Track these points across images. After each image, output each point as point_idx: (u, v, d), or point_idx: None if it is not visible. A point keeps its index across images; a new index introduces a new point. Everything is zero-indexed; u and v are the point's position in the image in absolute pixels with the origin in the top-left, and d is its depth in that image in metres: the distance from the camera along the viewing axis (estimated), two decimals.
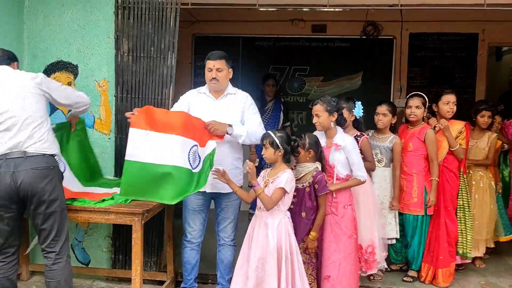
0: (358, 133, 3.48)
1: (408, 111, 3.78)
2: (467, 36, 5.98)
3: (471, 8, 4.14)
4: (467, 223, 3.86)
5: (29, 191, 2.65)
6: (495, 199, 4.21)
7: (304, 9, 5.77)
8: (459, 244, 3.85)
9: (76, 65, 3.76)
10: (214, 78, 3.16)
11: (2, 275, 2.80)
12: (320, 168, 3.06)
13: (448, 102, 3.78)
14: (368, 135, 3.66)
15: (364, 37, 5.97)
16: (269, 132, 2.96)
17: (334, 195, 3.14)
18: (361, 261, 3.43)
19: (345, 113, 3.42)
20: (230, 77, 3.27)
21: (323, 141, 3.20)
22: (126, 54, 3.69)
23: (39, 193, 2.67)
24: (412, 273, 3.84)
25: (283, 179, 2.85)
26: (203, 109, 3.22)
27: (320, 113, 3.17)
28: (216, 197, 3.27)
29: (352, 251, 3.14)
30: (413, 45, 6.04)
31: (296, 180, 2.99)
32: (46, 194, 2.69)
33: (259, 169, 5.25)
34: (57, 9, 3.77)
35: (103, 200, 3.04)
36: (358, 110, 3.48)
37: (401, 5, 3.69)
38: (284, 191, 2.85)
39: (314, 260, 3.08)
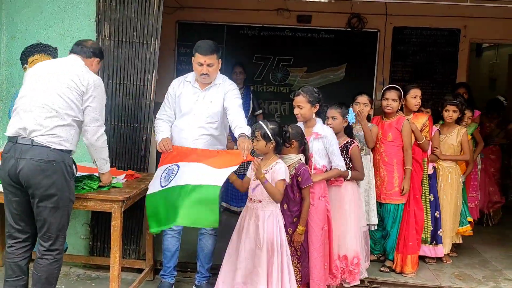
0: (349, 140, 3.46)
1: (384, 102, 3.85)
2: (449, 31, 6.04)
3: (455, 4, 4.18)
4: (427, 209, 3.99)
5: (25, 181, 2.60)
6: (461, 195, 4.26)
7: None
8: (424, 230, 3.99)
9: (56, 48, 3.67)
10: (205, 74, 3.12)
11: (10, 259, 2.76)
12: (303, 160, 3.04)
13: (415, 96, 3.91)
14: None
15: (348, 29, 5.99)
16: (261, 123, 2.92)
17: (312, 186, 3.11)
18: (345, 272, 3.40)
19: (339, 118, 3.41)
20: (219, 67, 3.22)
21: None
22: (107, 39, 3.62)
23: (34, 186, 2.60)
24: (388, 263, 3.91)
25: (281, 170, 2.85)
26: (187, 99, 3.20)
27: (303, 104, 3.15)
28: None
29: (323, 244, 3.13)
30: (397, 39, 6.09)
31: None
32: (41, 188, 2.60)
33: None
34: None
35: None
36: (351, 116, 3.43)
37: None
38: (285, 182, 2.87)
39: (299, 253, 3.08)
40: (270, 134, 2.86)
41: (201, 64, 3.10)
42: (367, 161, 3.75)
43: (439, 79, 6.08)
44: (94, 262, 3.72)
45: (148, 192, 2.91)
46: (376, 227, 3.85)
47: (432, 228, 4.03)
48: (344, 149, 3.42)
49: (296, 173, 2.98)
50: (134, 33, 3.62)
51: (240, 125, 3.00)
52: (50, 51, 3.68)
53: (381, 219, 3.87)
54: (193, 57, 3.16)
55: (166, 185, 2.83)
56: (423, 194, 3.98)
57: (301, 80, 6.19)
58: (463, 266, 4.13)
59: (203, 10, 6.00)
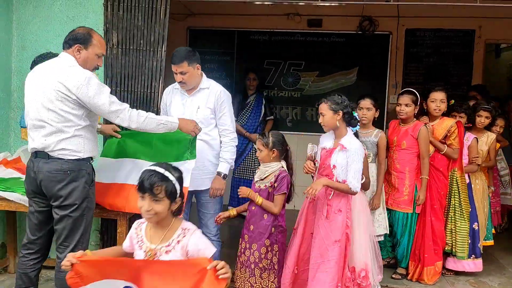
0: None
1: (398, 108, 3.74)
2: (463, 32, 5.92)
3: (465, 4, 4.10)
4: (457, 223, 3.80)
5: (46, 192, 2.66)
6: (488, 203, 4.12)
7: (300, 3, 5.73)
8: (448, 243, 3.83)
9: None
10: (181, 82, 3.14)
11: (21, 270, 2.81)
12: (285, 168, 2.96)
13: (434, 100, 3.74)
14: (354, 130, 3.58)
15: (360, 32, 5.93)
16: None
17: (330, 198, 2.98)
18: (354, 285, 3.21)
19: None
20: (199, 73, 3.21)
21: (330, 142, 3.07)
22: (115, 47, 3.65)
23: (53, 197, 2.65)
24: (401, 270, 3.83)
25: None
26: (176, 105, 3.25)
27: (325, 112, 3.00)
28: (196, 193, 3.26)
29: (333, 259, 2.93)
30: (409, 41, 5.99)
31: (259, 180, 2.95)
32: (60, 198, 2.63)
33: (239, 162, 5.29)
34: (47, 0, 3.74)
35: None
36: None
37: (393, 0, 3.64)
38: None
39: (277, 267, 2.93)
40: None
41: (175, 73, 3.13)
42: (372, 169, 3.62)
43: (454, 81, 5.96)
44: None
45: None
46: (382, 238, 3.72)
47: (470, 241, 3.84)
48: None
49: (275, 181, 2.91)
50: (141, 41, 3.64)
51: (223, 158, 3.16)
52: None
53: (390, 225, 3.77)
54: None
55: None
56: (453, 206, 3.81)
57: (313, 84, 6.15)
58: (479, 273, 4.02)
59: (213, 16, 6.02)
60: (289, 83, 6.19)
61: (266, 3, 5.57)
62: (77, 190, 2.64)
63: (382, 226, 3.68)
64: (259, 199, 2.91)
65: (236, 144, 3.29)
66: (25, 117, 2.76)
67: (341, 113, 2.98)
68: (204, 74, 3.28)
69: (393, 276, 3.81)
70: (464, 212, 3.81)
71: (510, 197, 5.04)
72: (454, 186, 3.82)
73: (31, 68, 3.72)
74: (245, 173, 5.29)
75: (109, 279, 1.89)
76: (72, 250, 2.69)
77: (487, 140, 4.04)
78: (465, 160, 3.90)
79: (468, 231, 3.81)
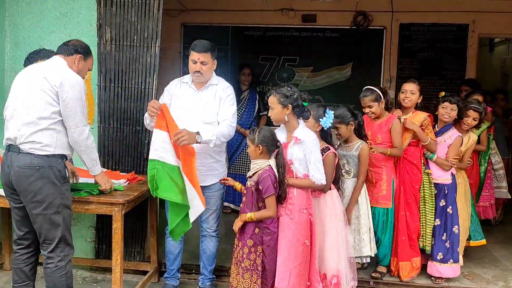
0: (325, 147, 3.10)
1: (402, 95, 3.66)
2: (457, 27, 5.93)
3: None
4: (428, 216, 3.69)
5: (16, 188, 2.64)
6: (470, 204, 3.93)
7: None
8: (420, 237, 3.72)
9: None
10: (198, 72, 3.11)
11: (16, 265, 2.82)
12: (273, 165, 2.76)
13: (405, 91, 3.65)
14: (336, 145, 3.46)
15: (354, 27, 5.94)
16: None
17: (290, 196, 2.83)
18: None
19: (310, 121, 3.05)
20: (214, 68, 3.22)
21: (283, 136, 2.93)
22: (109, 43, 3.64)
23: (22, 193, 2.63)
24: (381, 268, 3.72)
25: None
26: (184, 99, 3.21)
27: (273, 105, 2.87)
28: None
29: (303, 261, 2.83)
30: (403, 36, 6.00)
31: (249, 177, 2.84)
32: (29, 195, 2.62)
33: (234, 158, 5.31)
34: None
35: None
36: (327, 120, 3.06)
37: None
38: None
39: (260, 268, 2.77)
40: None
41: (195, 62, 3.11)
42: (348, 183, 3.44)
43: (448, 76, 5.98)
44: (100, 264, 3.75)
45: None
46: (368, 259, 3.55)
47: (449, 246, 3.65)
48: None
49: (257, 180, 2.74)
50: (135, 37, 3.63)
51: (213, 131, 3.02)
52: None
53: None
54: (189, 56, 3.17)
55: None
56: (422, 199, 3.69)
57: (307, 79, 6.16)
58: (473, 266, 4.05)
59: (207, 12, 6.01)
60: (284, 79, 6.20)
61: None
62: (47, 187, 2.62)
63: (366, 246, 3.44)
64: (250, 216, 2.77)
65: (231, 133, 3.18)
66: (4, 110, 2.74)
67: (290, 107, 2.84)
68: (214, 71, 3.27)
69: (373, 274, 3.70)
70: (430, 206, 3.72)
71: (505, 190, 5.05)
72: (425, 180, 3.71)
73: (25, 64, 3.74)
74: (240, 169, 5.29)
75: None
76: (56, 246, 2.71)
77: (467, 141, 3.83)
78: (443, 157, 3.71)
79: (432, 225, 3.70)
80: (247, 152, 5.26)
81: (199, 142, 2.96)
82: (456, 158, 3.67)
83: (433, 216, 3.69)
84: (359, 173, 3.43)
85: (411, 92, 3.64)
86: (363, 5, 5.76)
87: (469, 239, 4.04)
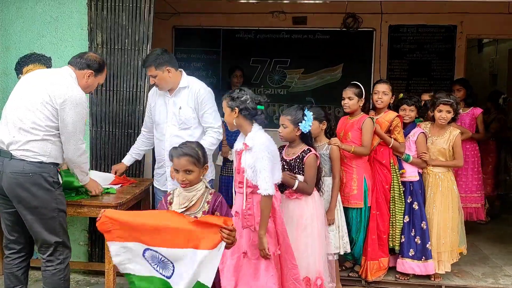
0: (306, 148, 3.06)
1: (375, 96, 3.68)
2: (445, 28, 6.01)
3: (444, 0, 4.16)
4: (397, 216, 3.67)
5: (8, 194, 2.63)
6: (458, 205, 3.77)
7: (285, 1, 5.79)
8: (389, 237, 3.70)
9: (49, 57, 3.72)
10: (154, 84, 3.19)
11: (8, 270, 2.81)
12: (209, 187, 2.35)
13: (377, 92, 3.66)
14: None
15: (344, 29, 5.99)
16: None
17: (244, 207, 2.66)
18: None
19: (289, 127, 3.01)
20: (171, 74, 3.16)
21: (240, 142, 2.74)
22: (100, 46, 3.66)
23: (16, 199, 2.63)
24: (358, 268, 3.74)
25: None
26: (160, 107, 3.26)
27: (224, 110, 2.74)
28: None
29: (274, 274, 2.66)
30: (393, 37, 6.07)
31: (186, 209, 2.25)
32: (22, 201, 2.61)
33: (230, 161, 5.32)
34: (30, 1, 3.73)
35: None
36: (306, 124, 2.97)
37: None
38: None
39: None
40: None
41: (149, 76, 3.18)
42: (327, 183, 3.37)
43: (437, 76, 6.05)
44: (93, 268, 3.76)
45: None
46: (336, 257, 3.40)
47: (420, 242, 3.63)
48: (300, 159, 3.05)
49: (212, 210, 2.25)
50: (126, 40, 3.66)
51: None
52: (44, 61, 3.73)
53: (347, 223, 3.56)
54: None
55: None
56: (392, 198, 3.66)
57: (298, 81, 6.20)
58: (463, 264, 4.09)
59: (198, 15, 6.03)
60: (275, 81, 6.24)
61: (251, 1, 5.60)
62: (41, 193, 2.62)
63: (331, 244, 3.33)
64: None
65: (219, 137, 3.22)
66: (4, 110, 2.74)
67: (237, 110, 2.66)
68: (184, 73, 3.27)
69: (350, 274, 3.74)
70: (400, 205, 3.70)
71: None
72: (394, 180, 3.69)
73: (16, 69, 3.75)
74: (231, 171, 5.32)
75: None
76: (55, 250, 2.72)
77: (449, 137, 3.70)
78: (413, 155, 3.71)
79: (402, 224, 3.69)
80: None
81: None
82: (424, 153, 3.67)
83: (402, 216, 3.69)
84: (333, 172, 3.39)
85: (383, 93, 3.65)
86: (353, 7, 5.81)
87: None
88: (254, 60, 6.21)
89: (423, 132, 3.71)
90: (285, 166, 3.09)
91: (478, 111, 4.76)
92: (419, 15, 5.85)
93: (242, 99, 2.67)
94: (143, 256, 2.16)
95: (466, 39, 6.05)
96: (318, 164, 3.10)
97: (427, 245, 3.64)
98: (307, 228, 3.03)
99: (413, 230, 3.67)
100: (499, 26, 5.79)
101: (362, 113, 3.62)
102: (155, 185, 3.36)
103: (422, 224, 3.65)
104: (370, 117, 3.58)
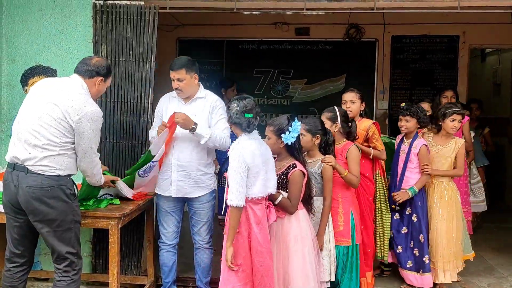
0: (292, 163, 2.81)
1: (343, 106, 3.59)
2: (448, 38, 6.05)
3: (446, 11, 4.19)
4: (385, 225, 3.64)
5: (25, 208, 2.63)
6: (461, 214, 3.77)
7: (288, 13, 5.83)
8: (377, 248, 3.65)
9: (55, 69, 3.73)
10: (177, 88, 3.20)
11: (8, 282, 2.80)
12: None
13: (345, 101, 3.62)
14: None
15: (347, 39, 6.03)
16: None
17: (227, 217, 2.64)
18: None
19: (272, 138, 2.81)
20: (196, 82, 3.23)
21: None
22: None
23: (33, 213, 2.62)
24: None
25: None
26: (172, 112, 3.24)
27: None
28: (187, 200, 3.29)
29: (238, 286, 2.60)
30: (395, 48, 6.11)
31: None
32: (40, 215, 2.61)
33: (220, 175, 5.34)
34: (35, 14, 3.77)
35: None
36: (289, 136, 2.74)
37: (377, 8, 3.73)
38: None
39: None
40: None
41: (173, 80, 3.18)
42: (319, 203, 3.08)
43: (440, 86, 6.02)
44: (97, 279, 3.75)
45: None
46: (328, 284, 3.11)
47: (418, 254, 3.57)
48: (284, 175, 2.80)
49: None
50: (131, 52, 3.69)
51: (209, 131, 3.13)
52: (50, 73, 3.73)
53: None
54: None
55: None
56: (379, 209, 3.64)
57: (302, 92, 6.23)
58: (468, 274, 4.06)
59: (202, 26, 6.10)
60: (278, 91, 6.27)
61: (254, 12, 5.65)
62: (59, 206, 2.62)
63: (326, 272, 3.08)
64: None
65: (226, 143, 3.17)
66: (15, 123, 2.71)
67: (230, 121, 2.75)
68: (201, 85, 3.31)
69: None
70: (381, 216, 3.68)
71: (483, 203, 4.91)
72: (380, 189, 3.67)
73: (21, 81, 3.77)
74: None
75: None
76: (71, 261, 2.71)
77: (455, 146, 3.67)
78: (416, 170, 3.62)
79: (390, 234, 3.66)
80: None
81: (192, 132, 3.04)
82: (426, 165, 3.57)
83: (389, 227, 3.67)
84: (325, 193, 3.06)
85: (351, 101, 3.60)
86: (355, 18, 5.86)
87: None
88: (258, 71, 6.25)
89: (425, 145, 3.62)
90: None
91: (466, 118, 4.49)
92: (422, 25, 5.89)
93: (230, 109, 2.69)
94: None
95: (469, 49, 6.08)
96: (305, 181, 2.84)
97: (424, 258, 3.56)
98: (289, 249, 2.78)
99: (411, 242, 3.62)
100: (502, 35, 5.82)
101: (344, 140, 3.35)
102: (156, 191, 3.36)
103: (420, 237, 3.58)
104: (355, 144, 3.33)
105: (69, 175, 2.71)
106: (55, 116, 2.59)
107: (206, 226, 3.30)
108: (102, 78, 2.82)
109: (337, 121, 3.29)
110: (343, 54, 6.11)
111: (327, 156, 3.10)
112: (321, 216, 3.06)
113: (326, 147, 3.13)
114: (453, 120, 3.65)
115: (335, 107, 3.43)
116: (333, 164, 3.08)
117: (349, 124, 3.39)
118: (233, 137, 2.87)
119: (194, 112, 3.21)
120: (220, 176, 5.27)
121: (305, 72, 6.19)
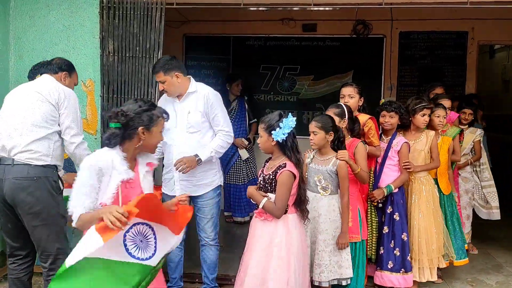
0: (283, 163, 2.61)
1: (342, 101, 3.52)
2: (456, 34, 5.98)
3: (455, 6, 4.14)
4: (373, 225, 3.56)
5: (10, 200, 2.64)
6: (439, 210, 3.66)
7: (294, 8, 5.78)
8: (368, 246, 3.50)
9: (67, 63, 3.75)
10: (163, 90, 3.22)
11: (14, 276, 2.83)
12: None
13: (343, 96, 3.56)
14: (310, 157, 3.11)
15: (354, 36, 5.98)
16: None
17: None
18: None
19: (264, 136, 2.64)
20: (180, 80, 3.16)
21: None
22: (111, 54, 3.70)
23: (19, 205, 2.63)
24: None
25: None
26: (170, 112, 3.22)
27: None
28: (192, 198, 3.28)
29: None
30: (403, 44, 6.05)
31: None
32: (26, 206, 2.62)
33: (227, 169, 5.33)
34: (43, 10, 3.78)
35: None
36: (279, 133, 2.55)
37: (385, 3, 3.69)
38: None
39: None
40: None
41: (158, 82, 3.22)
42: (334, 201, 3.02)
43: (448, 83, 5.98)
44: None
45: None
46: (349, 281, 3.05)
47: (399, 254, 3.46)
48: (273, 175, 2.62)
49: None
50: (137, 48, 3.69)
51: (208, 145, 3.19)
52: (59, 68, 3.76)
53: None
54: None
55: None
56: (369, 208, 3.54)
57: (308, 88, 6.19)
58: (476, 272, 4.04)
59: (209, 22, 6.08)
60: (285, 88, 6.24)
61: (260, 8, 5.62)
62: (45, 197, 2.64)
63: (350, 268, 3.02)
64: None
65: (229, 141, 3.25)
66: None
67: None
68: (192, 79, 3.29)
69: None
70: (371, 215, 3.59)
71: (497, 210, 4.48)
72: (370, 187, 3.58)
73: (29, 77, 3.78)
74: (232, 179, 5.34)
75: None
76: (56, 258, 2.71)
77: (427, 139, 3.63)
78: (396, 167, 3.55)
79: (378, 233, 3.57)
80: (240, 163, 5.35)
81: (200, 163, 3.10)
82: (406, 162, 3.50)
83: (377, 225, 3.59)
84: (342, 190, 2.99)
85: (349, 96, 3.53)
86: (363, 14, 5.81)
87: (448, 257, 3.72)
88: (264, 67, 6.22)
89: (406, 142, 3.54)
90: (261, 182, 2.70)
91: (455, 115, 4.33)
92: (430, 21, 5.82)
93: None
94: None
95: (478, 45, 6.00)
96: (296, 182, 2.62)
97: (407, 257, 3.47)
98: (273, 257, 2.59)
99: (392, 241, 3.50)
100: (511, 32, 5.74)
101: (350, 137, 3.30)
102: (163, 191, 3.37)
103: (402, 236, 3.48)
104: (362, 141, 3.33)
105: (55, 167, 2.75)
106: (35, 99, 2.74)
107: (210, 222, 3.30)
108: (66, 72, 3.05)
109: (345, 117, 3.27)
110: (350, 51, 6.06)
111: (340, 151, 3.05)
112: (341, 213, 3.00)
113: (338, 144, 3.09)
114: (424, 115, 3.60)
115: (340, 102, 3.42)
116: (347, 159, 3.03)
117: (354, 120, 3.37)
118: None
119: (188, 109, 3.21)
120: (226, 173, 5.30)
121: (312, 68, 6.15)
